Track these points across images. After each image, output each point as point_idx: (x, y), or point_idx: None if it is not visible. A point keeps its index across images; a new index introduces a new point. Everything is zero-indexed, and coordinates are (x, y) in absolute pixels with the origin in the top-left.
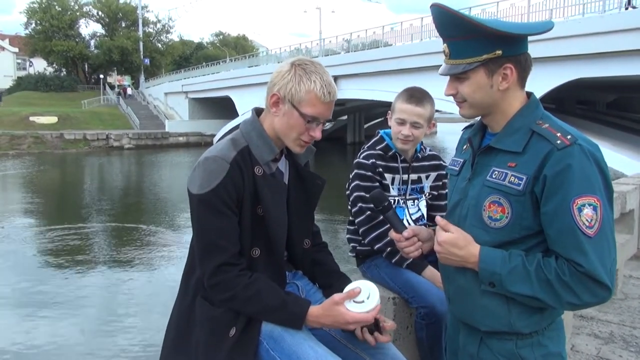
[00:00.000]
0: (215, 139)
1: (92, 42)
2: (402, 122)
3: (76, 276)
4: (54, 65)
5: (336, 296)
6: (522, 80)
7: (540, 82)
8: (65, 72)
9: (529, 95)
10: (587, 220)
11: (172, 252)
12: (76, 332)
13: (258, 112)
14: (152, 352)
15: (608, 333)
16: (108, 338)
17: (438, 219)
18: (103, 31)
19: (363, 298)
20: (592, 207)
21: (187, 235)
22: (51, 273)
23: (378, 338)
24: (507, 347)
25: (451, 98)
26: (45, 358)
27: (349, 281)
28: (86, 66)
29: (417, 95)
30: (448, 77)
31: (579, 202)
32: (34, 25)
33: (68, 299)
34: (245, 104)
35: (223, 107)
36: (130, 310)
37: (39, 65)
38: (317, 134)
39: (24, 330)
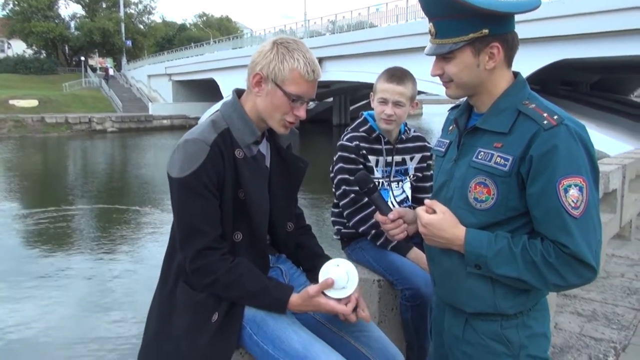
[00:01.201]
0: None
1: (73, 24)
2: (384, 102)
3: (61, 258)
4: (34, 47)
5: (310, 289)
6: (508, 59)
7: (525, 63)
8: (45, 55)
9: (516, 75)
10: (572, 201)
11: (158, 233)
12: (62, 315)
13: (239, 93)
14: (139, 335)
15: (591, 311)
16: (94, 320)
17: (427, 200)
18: (83, 12)
19: (343, 284)
20: (578, 187)
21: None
22: (36, 255)
23: (359, 314)
24: (492, 328)
25: (436, 79)
26: (30, 341)
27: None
28: (66, 48)
29: (398, 75)
30: (434, 58)
31: (565, 183)
32: (11, 6)
33: (53, 281)
34: (230, 86)
35: (207, 90)
36: (116, 292)
37: (18, 48)
38: (302, 113)
39: (8, 314)
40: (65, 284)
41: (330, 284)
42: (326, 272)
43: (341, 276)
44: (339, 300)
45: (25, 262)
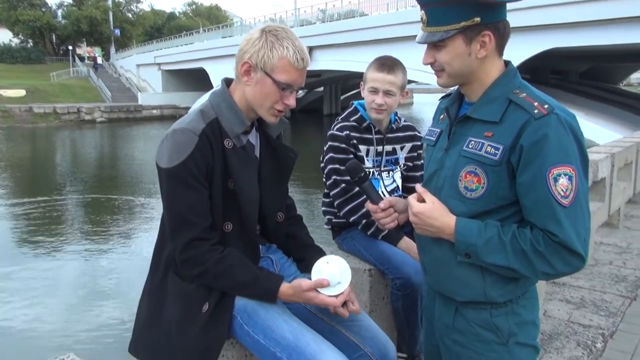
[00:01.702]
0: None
1: (60, 12)
2: (374, 91)
3: (52, 248)
4: (20, 36)
5: (304, 284)
6: (500, 48)
7: (515, 52)
8: (32, 44)
9: (507, 64)
10: (562, 190)
11: (149, 223)
12: (51, 305)
13: (228, 82)
14: (130, 325)
15: (579, 298)
16: (84, 311)
17: (418, 186)
18: (71, 0)
19: (337, 280)
20: (567, 176)
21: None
22: (26, 245)
23: (349, 308)
24: (482, 316)
25: (427, 68)
26: (21, 331)
27: (322, 254)
28: (54, 37)
29: (388, 64)
30: (425, 46)
31: (554, 172)
32: None
33: (43, 271)
34: (220, 75)
35: (197, 79)
36: (107, 282)
37: (4, 36)
38: (292, 101)
39: None
40: (56, 274)
41: (325, 286)
42: (318, 271)
43: (334, 273)
44: (333, 296)
45: (15, 251)
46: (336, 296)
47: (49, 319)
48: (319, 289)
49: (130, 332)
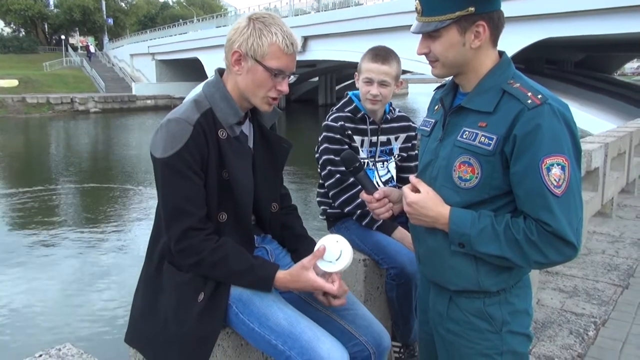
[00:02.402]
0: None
1: (52, 1)
2: (369, 82)
3: (48, 237)
4: (12, 25)
5: (305, 260)
6: (494, 38)
7: (510, 42)
8: (24, 33)
9: (501, 54)
10: (555, 179)
11: (145, 212)
12: (47, 295)
13: (222, 72)
14: (126, 314)
15: (572, 287)
16: (81, 300)
17: (412, 177)
18: None
19: (335, 257)
20: (560, 166)
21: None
22: (22, 234)
23: (332, 302)
24: (476, 305)
25: (422, 58)
26: (17, 321)
27: (314, 245)
28: (46, 26)
29: (382, 54)
30: (420, 36)
31: (547, 162)
32: None
33: (39, 260)
34: (214, 65)
35: (192, 69)
36: (103, 271)
37: None
38: (285, 87)
39: None
40: (51, 264)
41: (321, 252)
42: (321, 242)
43: (334, 251)
44: (326, 274)
45: (11, 241)
46: (330, 273)
47: (45, 309)
48: (319, 264)
49: (126, 322)
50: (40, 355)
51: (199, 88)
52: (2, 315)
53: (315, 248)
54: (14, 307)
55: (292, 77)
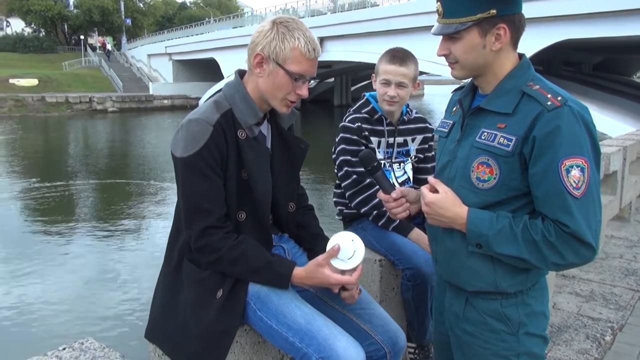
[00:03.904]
0: (201, 102)
1: (72, 2)
2: (386, 83)
3: (69, 232)
4: (32, 25)
5: (319, 257)
6: (514, 41)
7: (528, 43)
8: (44, 33)
9: (521, 56)
10: (574, 181)
11: (164, 209)
12: (67, 291)
13: (242, 74)
14: (145, 311)
15: (589, 291)
16: (100, 297)
17: (430, 178)
18: None
19: (349, 255)
20: (579, 168)
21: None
22: (42, 230)
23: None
24: (492, 306)
25: (439, 60)
26: (35, 317)
27: None
28: (66, 27)
29: (399, 55)
30: (440, 38)
31: (567, 164)
32: None
33: (59, 256)
34: (231, 65)
35: (208, 69)
36: (122, 268)
37: (17, 26)
38: (304, 92)
39: (13, 289)
40: (72, 258)
41: (336, 251)
42: (335, 240)
43: (348, 249)
44: (342, 272)
45: (34, 235)
46: (350, 271)
47: (66, 304)
48: (333, 263)
49: (146, 318)
50: (64, 349)
51: (214, 88)
52: (25, 309)
53: (329, 245)
54: (36, 300)
55: (312, 81)
